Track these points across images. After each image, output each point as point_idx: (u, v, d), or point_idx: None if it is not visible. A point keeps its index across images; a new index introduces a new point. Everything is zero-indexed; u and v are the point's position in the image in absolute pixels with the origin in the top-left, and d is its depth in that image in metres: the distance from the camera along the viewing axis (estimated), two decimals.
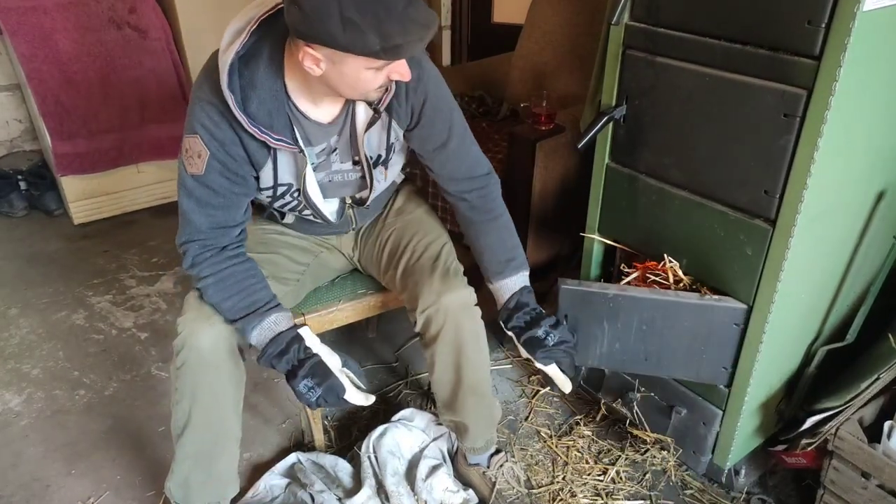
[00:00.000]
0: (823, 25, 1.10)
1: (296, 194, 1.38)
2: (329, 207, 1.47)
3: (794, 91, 1.17)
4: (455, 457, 1.73)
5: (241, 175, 1.29)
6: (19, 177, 3.08)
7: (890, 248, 1.56)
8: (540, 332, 1.38)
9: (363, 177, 1.44)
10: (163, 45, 2.87)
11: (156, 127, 2.96)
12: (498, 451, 1.69)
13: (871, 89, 1.21)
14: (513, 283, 1.45)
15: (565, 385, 1.44)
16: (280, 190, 1.36)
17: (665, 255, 1.53)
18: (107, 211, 3.05)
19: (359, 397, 1.33)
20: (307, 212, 1.44)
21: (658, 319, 1.48)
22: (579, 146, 1.52)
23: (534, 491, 1.69)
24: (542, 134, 2.12)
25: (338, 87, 1.19)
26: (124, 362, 2.16)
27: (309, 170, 1.33)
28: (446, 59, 3.85)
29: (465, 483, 1.67)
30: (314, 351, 1.31)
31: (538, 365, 1.42)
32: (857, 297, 1.59)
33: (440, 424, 1.78)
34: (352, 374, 1.36)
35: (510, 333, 1.45)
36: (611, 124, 1.53)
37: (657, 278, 1.54)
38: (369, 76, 1.14)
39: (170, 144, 3.02)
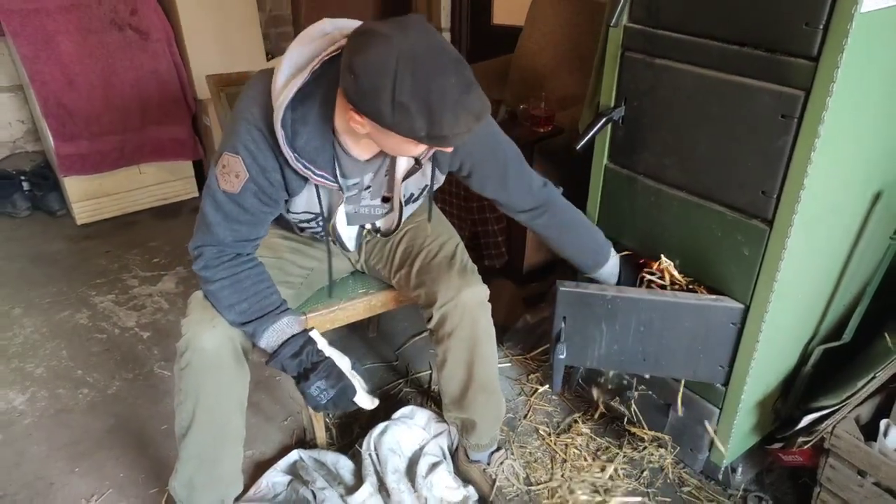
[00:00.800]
0: (821, 27, 1.11)
1: (321, 222, 1.40)
2: (349, 234, 1.50)
3: (791, 92, 1.18)
4: (455, 453, 1.74)
5: (275, 199, 1.30)
6: (22, 177, 3.09)
7: (886, 248, 1.57)
8: None
9: (389, 211, 1.47)
10: (164, 47, 2.88)
11: (157, 128, 2.97)
12: (498, 449, 1.71)
13: (868, 90, 1.22)
14: (611, 267, 1.58)
15: None
16: (308, 216, 1.38)
17: (661, 256, 1.54)
18: (109, 211, 3.06)
19: (366, 400, 1.35)
20: (324, 234, 1.46)
21: (656, 320, 1.49)
22: (578, 147, 1.53)
23: (533, 488, 1.71)
24: (541, 136, 2.14)
25: (380, 145, 1.21)
26: (127, 361, 2.17)
27: (342, 206, 1.36)
28: None
29: (466, 480, 1.69)
30: (326, 354, 1.33)
31: None
32: (854, 296, 1.60)
33: (441, 422, 1.80)
34: (359, 378, 1.38)
35: None
36: (609, 125, 1.54)
37: (653, 277, 1.55)
38: (412, 147, 1.15)
39: (171, 146, 3.03)
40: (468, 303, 1.45)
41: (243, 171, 1.23)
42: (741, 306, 1.41)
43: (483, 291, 1.48)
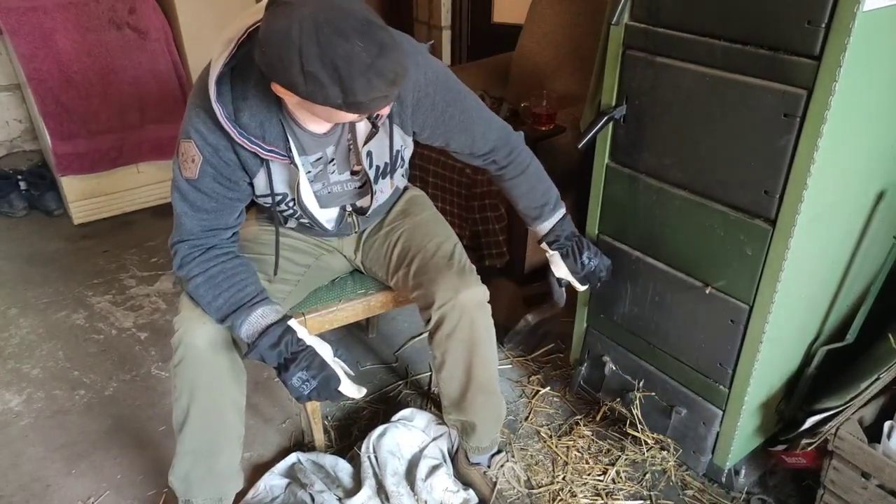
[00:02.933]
0: (823, 25, 1.10)
1: (291, 203, 1.38)
2: (326, 216, 1.47)
3: (794, 91, 1.17)
4: (455, 456, 1.73)
5: (234, 181, 1.29)
6: (19, 177, 3.08)
7: (890, 248, 1.56)
8: (585, 258, 1.58)
9: (363, 186, 1.44)
10: (162, 46, 2.87)
11: (155, 127, 2.96)
12: (499, 452, 1.69)
13: (870, 89, 1.21)
14: (550, 223, 1.58)
15: (579, 287, 1.65)
16: (277, 198, 1.36)
17: None
18: (106, 211, 3.05)
19: (352, 389, 1.32)
20: (304, 220, 1.45)
21: (668, 294, 1.56)
22: (579, 146, 1.53)
23: (534, 491, 1.69)
24: (542, 134, 2.13)
25: (314, 114, 1.17)
26: (124, 362, 2.16)
27: (303, 180, 1.33)
28: (446, 59, 3.86)
29: (466, 483, 1.67)
30: (306, 342, 1.30)
31: (576, 286, 1.63)
32: (857, 297, 1.59)
33: (440, 424, 1.78)
34: (344, 365, 1.35)
35: (552, 252, 1.60)
36: (611, 124, 1.53)
37: None
38: (342, 114, 1.11)
39: (169, 145, 3.02)
40: (467, 304, 1.43)
41: (197, 154, 1.23)
42: (744, 306, 1.40)
43: (482, 292, 1.47)
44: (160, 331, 2.30)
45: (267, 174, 1.30)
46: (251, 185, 1.32)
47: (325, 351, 1.32)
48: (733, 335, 1.44)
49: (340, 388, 1.30)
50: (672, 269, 1.53)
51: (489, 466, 1.67)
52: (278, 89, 1.09)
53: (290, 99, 1.12)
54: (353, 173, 1.41)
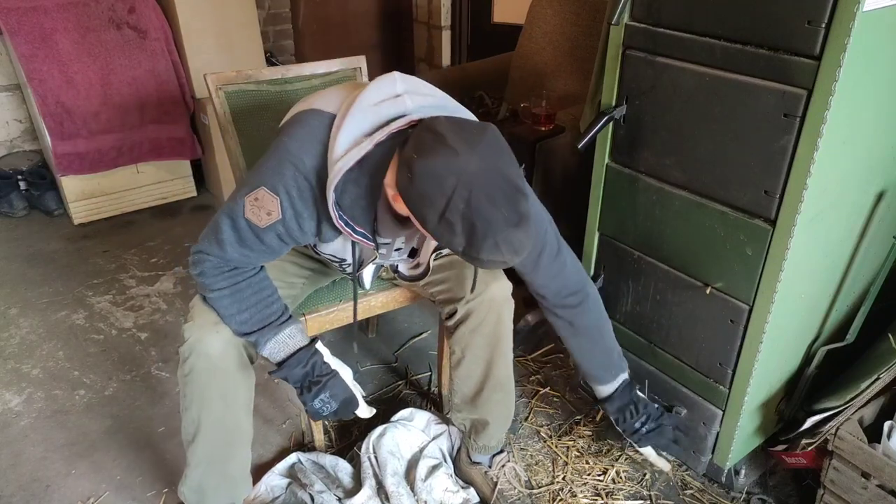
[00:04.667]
0: (823, 25, 1.10)
1: (346, 266, 1.39)
2: (369, 275, 1.53)
3: (794, 91, 1.17)
4: (457, 456, 1.73)
5: (297, 241, 1.27)
6: (19, 177, 3.08)
7: (890, 248, 1.56)
8: (637, 424, 1.55)
9: (416, 265, 1.49)
10: (162, 46, 2.87)
11: (155, 127, 2.96)
12: (500, 452, 1.69)
13: (871, 89, 1.21)
14: (611, 387, 1.56)
15: (661, 465, 1.65)
16: (336, 259, 1.37)
17: None
18: (106, 211, 3.05)
19: (366, 410, 1.36)
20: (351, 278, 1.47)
21: (668, 294, 1.54)
22: (579, 146, 1.52)
23: (534, 491, 1.69)
24: (542, 134, 2.13)
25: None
26: (124, 362, 2.15)
27: (374, 261, 1.35)
28: (446, 59, 3.86)
29: (467, 482, 1.68)
30: (332, 367, 1.32)
31: (641, 450, 1.62)
32: (857, 297, 1.59)
33: (439, 423, 1.79)
34: (359, 388, 1.37)
35: (617, 427, 1.59)
36: (611, 124, 1.53)
37: None
38: None
39: (169, 145, 3.02)
40: (496, 297, 1.44)
41: (277, 212, 1.18)
42: (744, 306, 1.40)
43: (508, 286, 1.48)
44: (160, 331, 2.30)
45: (346, 246, 1.30)
46: (315, 245, 1.33)
47: (346, 374, 1.34)
48: (733, 335, 1.44)
49: (357, 411, 1.34)
50: (672, 269, 1.53)
51: (490, 466, 1.67)
52: (401, 203, 1.09)
53: (404, 209, 1.10)
54: (412, 254, 1.45)
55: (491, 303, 1.44)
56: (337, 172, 1.12)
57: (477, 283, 1.43)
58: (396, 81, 1.18)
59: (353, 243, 1.29)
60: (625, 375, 1.57)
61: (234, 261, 1.26)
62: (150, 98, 2.91)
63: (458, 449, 1.73)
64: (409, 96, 1.16)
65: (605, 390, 1.57)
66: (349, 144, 1.13)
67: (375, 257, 1.33)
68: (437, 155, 1.01)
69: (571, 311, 1.48)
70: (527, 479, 1.72)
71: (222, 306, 1.28)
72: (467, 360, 1.50)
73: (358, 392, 1.34)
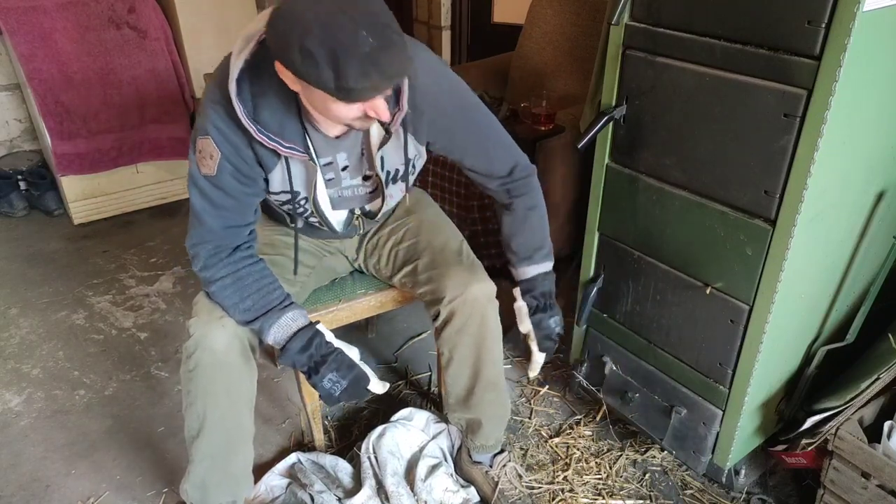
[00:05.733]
0: (823, 25, 1.10)
1: (304, 202, 1.38)
2: (337, 217, 1.48)
3: (794, 91, 1.17)
4: (457, 455, 1.73)
5: (252, 177, 1.29)
6: (19, 177, 3.08)
7: (890, 248, 1.56)
8: (552, 322, 1.48)
9: (374, 190, 1.44)
10: (162, 45, 2.87)
11: (155, 127, 2.96)
12: (501, 451, 1.69)
13: (871, 89, 1.21)
14: (536, 269, 1.50)
15: (535, 370, 1.56)
16: (287, 196, 1.36)
17: None
18: (106, 211, 3.05)
19: (378, 386, 1.35)
20: (314, 219, 1.45)
21: (668, 294, 1.54)
22: (579, 146, 1.52)
23: (534, 491, 1.69)
24: (542, 134, 2.13)
25: (315, 111, 1.19)
26: (124, 362, 2.15)
27: (320, 178, 1.33)
28: (446, 58, 3.86)
29: (468, 481, 1.68)
30: (335, 345, 1.32)
31: (533, 347, 1.51)
32: (857, 297, 1.59)
33: (439, 422, 1.79)
34: (367, 366, 1.36)
35: (522, 303, 1.50)
36: (611, 124, 1.53)
37: None
38: (340, 109, 1.11)
39: (169, 145, 3.02)
40: (478, 297, 1.44)
41: (216, 151, 1.23)
42: (744, 306, 1.40)
43: (491, 287, 1.47)
44: (160, 331, 2.30)
45: (285, 170, 1.30)
46: (266, 181, 1.33)
47: (353, 353, 1.34)
48: (733, 335, 1.44)
49: (369, 387, 1.33)
50: (672, 269, 1.53)
51: (491, 466, 1.67)
52: (280, 69, 1.10)
53: (292, 84, 1.12)
54: (366, 178, 1.42)
55: (474, 303, 1.44)
56: (231, 78, 1.15)
57: (456, 284, 1.43)
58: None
59: (288, 164, 1.29)
60: (551, 264, 1.54)
61: (218, 232, 1.29)
62: (150, 98, 2.91)
63: (459, 448, 1.73)
64: None
65: (530, 271, 1.50)
66: (238, 51, 1.16)
67: (317, 172, 1.30)
68: (297, 2, 1.03)
69: (515, 184, 1.47)
70: (528, 479, 1.72)
71: (225, 297, 1.30)
72: (455, 360, 1.51)
73: (367, 369, 1.33)
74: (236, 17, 3.02)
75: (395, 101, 1.26)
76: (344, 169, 1.37)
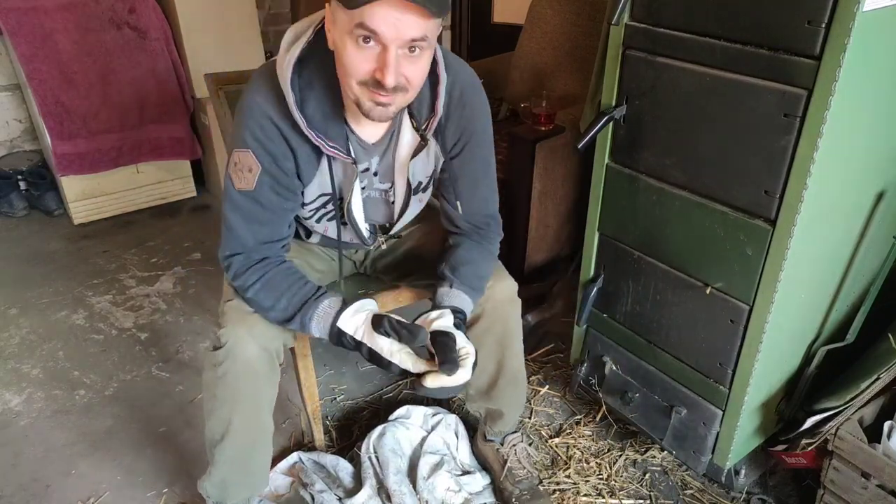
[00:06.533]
0: (823, 25, 1.10)
1: (338, 203, 1.37)
2: (364, 224, 1.44)
3: (794, 91, 1.17)
4: (474, 437, 1.77)
5: (291, 189, 1.28)
6: (19, 177, 3.08)
7: (890, 248, 1.56)
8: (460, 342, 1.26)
9: (391, 202, 1.42)
10: (162, 46, 2.87)
11: (155, 127, 2.96)
12: (514, 431, 1.72)
13: (871, 89, 1.21)
14: (466, 299, 1.37)
15: (421, 390, 1.24)
16: (323, 199, 1.35)
17: None
18: (106, 211, 3.06)
19: (420, 365, 1.22)
20: (331, 233, 1.43)
21: (668, 294, 1.54)
22: (579, 146, 1.53)
23: (542, 475, 1.72)
24: (542, 134, 2.13)
25: (340, 67, 1.13)
26: (124, 362, 2.15)
27: (357, 183, 1.33)
28: None
29: (482, 459, 1.72)
30: (357, 339, 1.24)
31: (439, 370, 1.21)
32: (857, 297, 1.59)
33: (436, 415, 1.80)
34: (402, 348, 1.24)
35: (428, 327, 1.28)
36: (611, 124, 1.53)
37: None
38: (353, 52, 1.07)
39: (169, 145, 3.02)
40: (501, 298, 1.45)
41: (255, 164, 1.21)
42: (744, 306, 1.40)
43: (513, 285, 1.49)
44: (160, 331, 2.30)
45: (327, 171, 1.29)
46: (302, 193, 1.32)
47: (383, 344, 1.23)
48: (733, 335, 1.44)
49: (411, 368, 1.21)
50: (672, 269, 1.53)
51: (502, 444, 1.70)
52: (329, 13, 1.09)
53: (328, 22, 1.10)
54: (386, 192, 1.42)
55: (496, 304, 1.45)
56: (287, 66, 1.14)
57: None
58: None
59: (331, 164, 1.28)
60: (475, 306, 1.41)
61: (251, 246, 1.28)
62: (150, 98, 2.91)
63: (475, 433, 1.77)
64: None
65: (459, 301, 1.36)
66: (289, 45, 1.16)
67: (356, 176, 1.29)
68: None
69: (490, 232, 1.46)
70: (537, 460, 1.74)
71: (259, 300, 1.29)
72: (480, 357, 1.49)
73: (398, 358, 1.21)
74: (236, 17, 3.02)
75: (430, 105, 1.26)
76: (374, 174, 1.38)
